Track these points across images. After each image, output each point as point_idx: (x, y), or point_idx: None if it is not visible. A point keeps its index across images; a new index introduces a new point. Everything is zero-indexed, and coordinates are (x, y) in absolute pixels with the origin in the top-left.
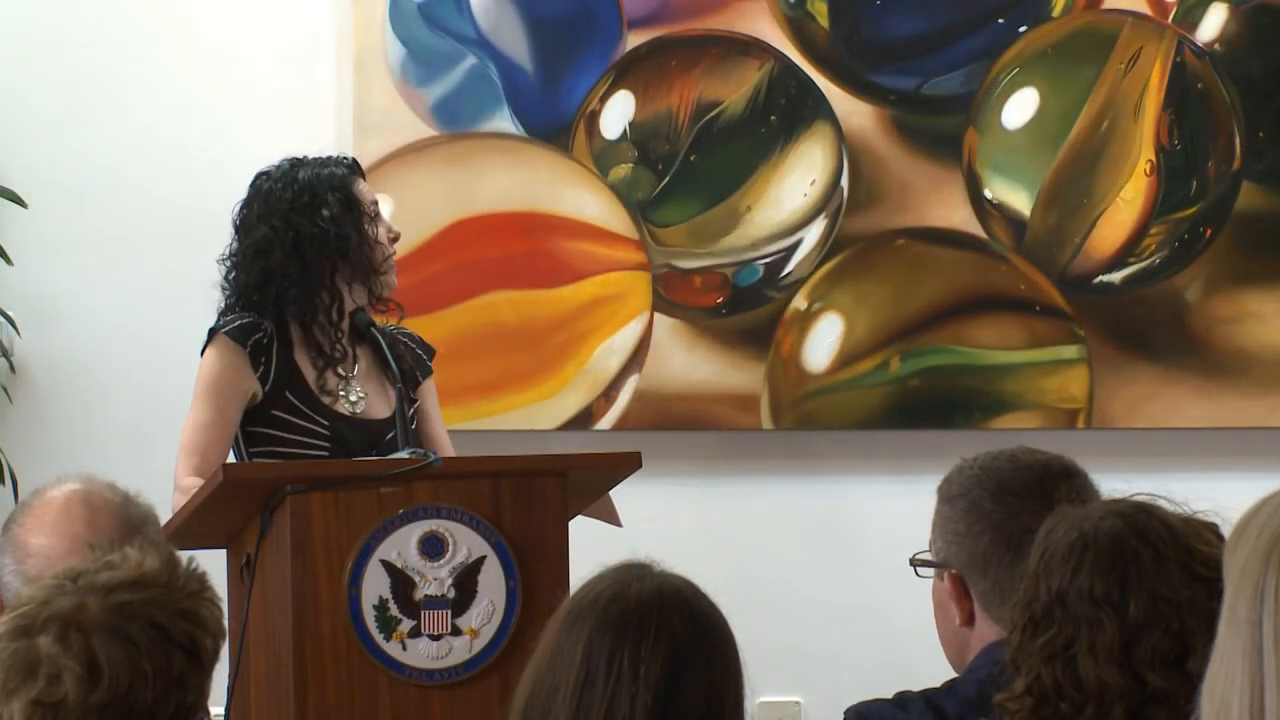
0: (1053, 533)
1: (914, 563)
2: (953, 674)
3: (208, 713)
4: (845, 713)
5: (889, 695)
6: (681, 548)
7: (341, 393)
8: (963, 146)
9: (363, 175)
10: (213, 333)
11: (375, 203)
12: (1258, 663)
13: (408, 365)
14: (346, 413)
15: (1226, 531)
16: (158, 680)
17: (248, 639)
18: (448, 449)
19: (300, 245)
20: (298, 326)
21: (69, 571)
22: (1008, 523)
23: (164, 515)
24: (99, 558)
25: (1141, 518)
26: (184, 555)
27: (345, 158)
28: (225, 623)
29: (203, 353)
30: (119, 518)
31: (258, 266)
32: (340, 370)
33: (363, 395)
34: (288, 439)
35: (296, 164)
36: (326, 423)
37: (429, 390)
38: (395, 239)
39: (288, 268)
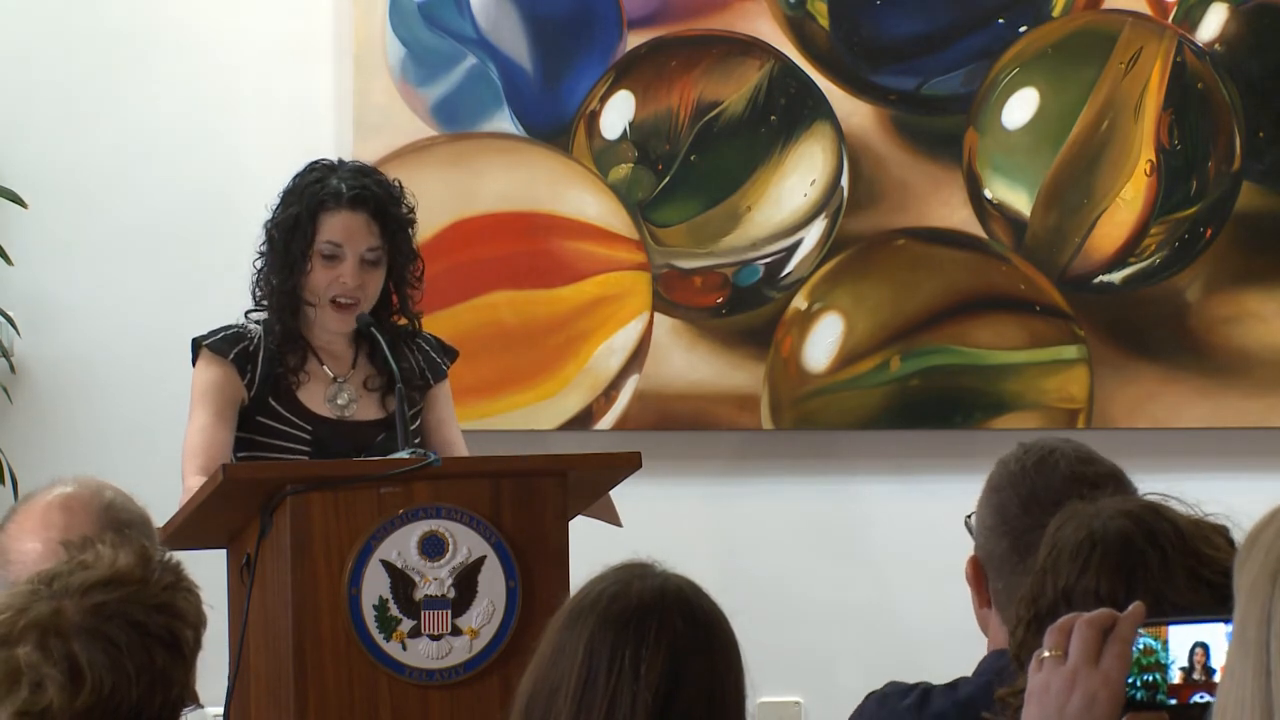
0: (1061, 529)
1: (966, 523)
2: (952, 671)
3: (197, 699)
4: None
5: None
6: (682, 547)
7: (330, 395)
8: (963, 146)
9: (370, 213)
10: (196, 344)
11: (339, 244)
12: (1266, 686)
13: (409, 367)
14: (334, 416)
15: (1236, 535)
16: (141, 678)
17: (248, 639)
18: (460, 453)
19: (264, 238)
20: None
21: (44, 575)
22: (1027, 534)
23: (166, 518)
24: (73, 557)
25: (1151, 519)
26: (161, 547)
27: (361, 186)
28: (205, 610)
29: (193, 363)
30: (99, 520)
31: (257, 263)
32: (329, 371)
33: (354, 398)
34: (268, 443)
35: (329, 166)
36: (309, 426)
37: (441, 395)
38: (346, 288)
39: (263, 270)
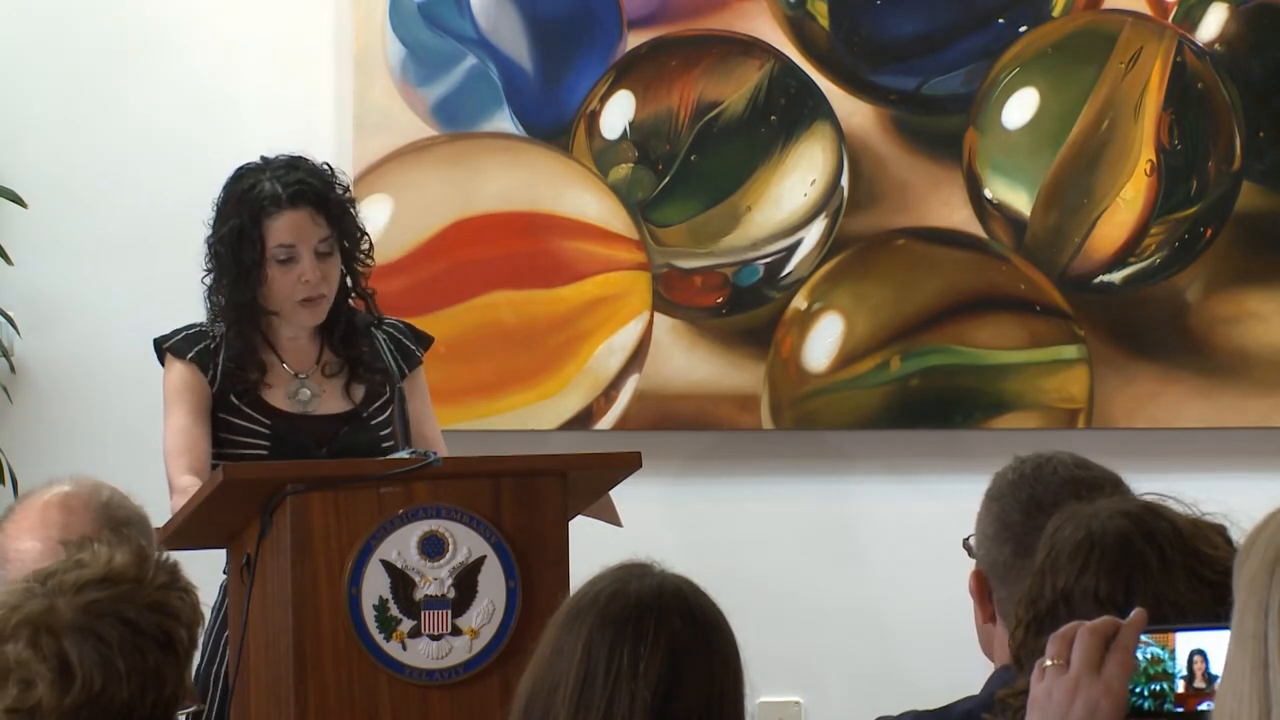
0: (1060, 530)
1: (964, 544)
2: (951, 671)
3: (194, 699)
4: None
5: (889, 695)
6: (681, 547)
7: (292, 391)
8: (963, 146)
9: (313, 206)
10: (158, 346)
11: (290, 245)
12: (1265, 678)
13: (370, 351)
14: (296, 411)
15: (1234, 534)
16: (132, 677)
17: (248, 639)
18: (437, 446)
19: (209, 255)
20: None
21: (39, 573)
22: (1029, 537)
23: (161, 518)
24: (70, 555)
25: (1149, 519)
26: (159, 547)
27: (297, 182)
28: (202, 610)
29: (160, 362)
30: (98, 519)
31: (206, 266)
32: (290, 369)
33: (317, 393)
34: (227, 439)
35: (257, 169)
36: (268, 421)
37: (416, 386)
38: (311, 286)
39: (213, 286)
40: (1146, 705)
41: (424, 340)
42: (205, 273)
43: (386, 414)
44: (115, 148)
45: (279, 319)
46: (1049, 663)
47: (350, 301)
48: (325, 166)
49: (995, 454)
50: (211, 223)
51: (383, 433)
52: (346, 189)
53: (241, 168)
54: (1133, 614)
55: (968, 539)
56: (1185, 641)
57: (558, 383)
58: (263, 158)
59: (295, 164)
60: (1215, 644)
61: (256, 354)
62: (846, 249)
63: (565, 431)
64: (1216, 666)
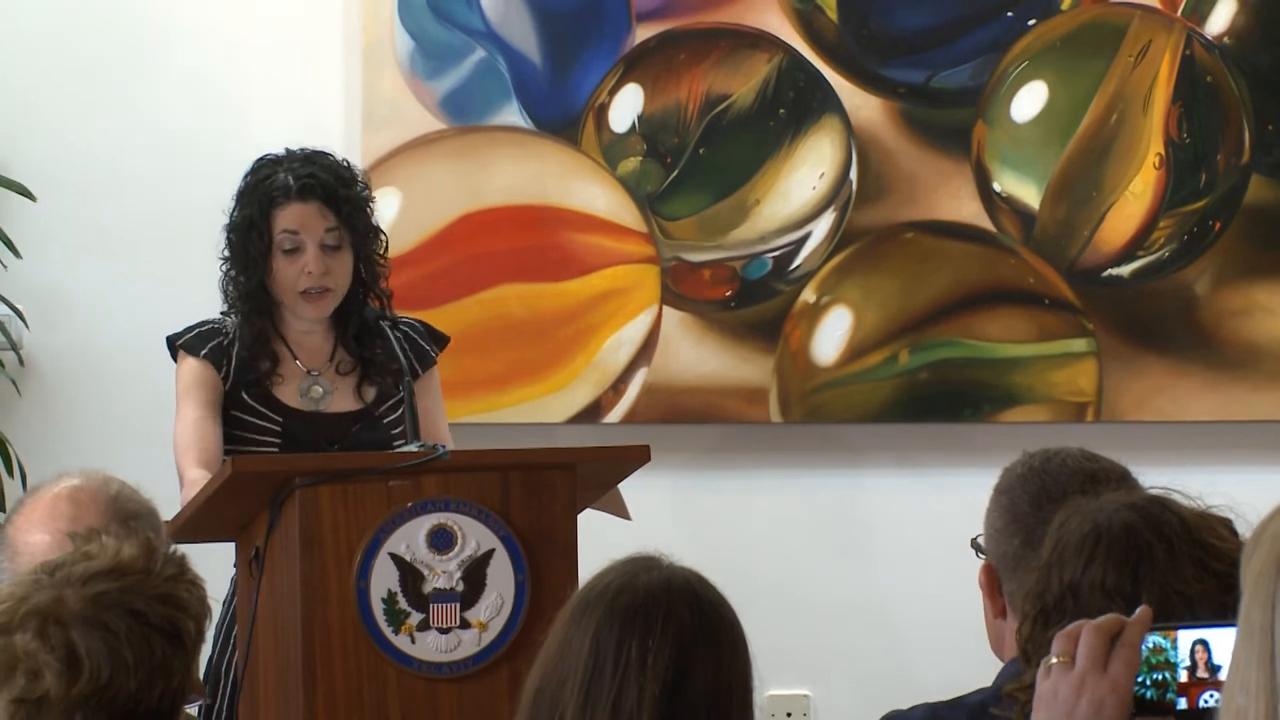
0: (1066, 524)
1: (973, 544)
2: (958, 665)
3: (201, 692)
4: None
5: (897, 689)
6: (690, 540)
7: (304, 389)
8: (971, 139)
9: (321, 200)
10: (171, 343)
11: (294, 233)
12: (1271, 671)
13: (396, 362)
14: (308, 409)
15: (1239, 526)
16: (140, 668)
17: (256, 632)
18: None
19: (225, 243)
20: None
21: (46, 565)
22: (1039, 529)
23: (170, 511)
24: (78, 548)
25: (1155, 510)
26: (166, 540)
27: (308, 175)
28: (209, 603)
29: (173, 359)
30: (107, 512)
31: (222, 267)
32: (302, 366)
33: (328, 390)
34: (240, 436)
35: (275, 161)
36: (279, 418)
37: (429, 385)
38: (313, 278)
39: (227, 274)
40: (1149, 695)
41: (440, 340)
42: (222, 261)
43: (398, 413)
44: (124, 141)
45: (289, 312)
46: (1054, 660)
47: (369, 301)
48: (344, 163)
49: (1004, 447)
50: (230, 212)
51: (394, 431)
52: (365, 186)
53: (262, 158)
54: (1138, 611)
55: (976, 538)
56: (1188, 634)
57: (566, 376)
58: (286, 149)
59: (313, 158)
60: (1218, 634)
61: (269, 344)
62: (855, 242)
63: (574, 425)
64: (1218, 656)
